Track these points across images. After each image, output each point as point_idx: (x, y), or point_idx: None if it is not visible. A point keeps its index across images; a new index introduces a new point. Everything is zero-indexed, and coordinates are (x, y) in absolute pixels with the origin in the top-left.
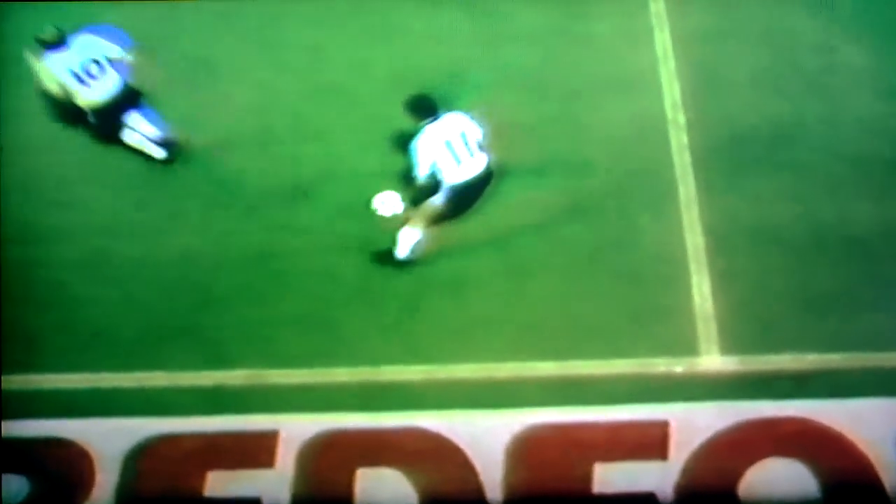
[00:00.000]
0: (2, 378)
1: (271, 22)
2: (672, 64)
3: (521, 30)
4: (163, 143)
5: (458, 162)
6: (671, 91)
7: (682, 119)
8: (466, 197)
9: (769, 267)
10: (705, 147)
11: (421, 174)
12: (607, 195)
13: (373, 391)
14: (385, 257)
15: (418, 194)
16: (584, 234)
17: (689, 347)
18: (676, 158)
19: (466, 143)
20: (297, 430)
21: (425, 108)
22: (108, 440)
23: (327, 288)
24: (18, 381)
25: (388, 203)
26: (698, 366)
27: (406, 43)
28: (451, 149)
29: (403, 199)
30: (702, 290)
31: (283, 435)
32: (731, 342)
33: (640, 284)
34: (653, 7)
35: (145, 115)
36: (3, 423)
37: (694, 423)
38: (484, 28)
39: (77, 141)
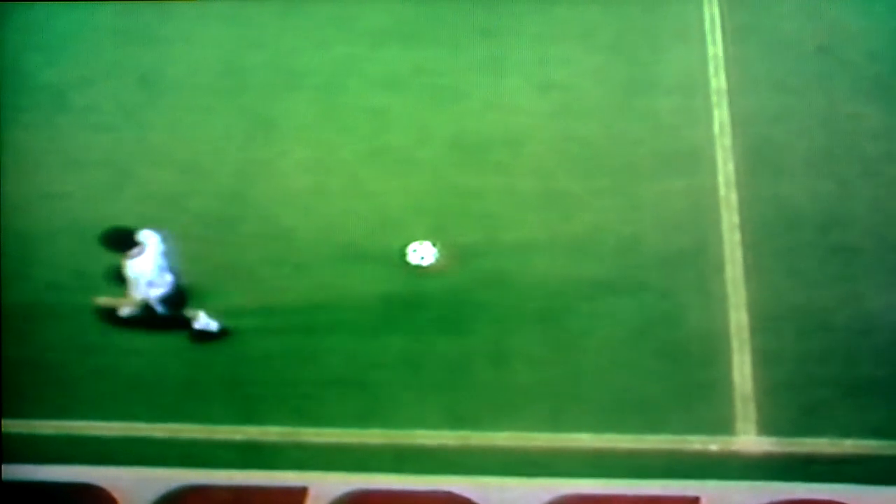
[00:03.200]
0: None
1: (336, 83)
2: (728, 142)
3: (583, 102)
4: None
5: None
6: (725, 169)
7: (734, 198)
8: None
9: (812, 350)
10: (756, 227)
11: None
12: (655, 270)
13: (406, 454)
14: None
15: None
16: (629, 307)
17: (726, 426)
18: (726, 237)
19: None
20: (325, 488)
21: (122, 241)
22: (136, 488)
23: (370, 350)
24: (51, 427)
25: (420, 252)
26: (734, 444)
27: (468, 109)
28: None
29: None
30: (742, 370)
31: (311, 492)
32: (769, 423)
33: (682, 361)
34: (714, 84)
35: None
36: (33, 467)
37: (726, 501)
38: (546, 99)
39: (133, 191)
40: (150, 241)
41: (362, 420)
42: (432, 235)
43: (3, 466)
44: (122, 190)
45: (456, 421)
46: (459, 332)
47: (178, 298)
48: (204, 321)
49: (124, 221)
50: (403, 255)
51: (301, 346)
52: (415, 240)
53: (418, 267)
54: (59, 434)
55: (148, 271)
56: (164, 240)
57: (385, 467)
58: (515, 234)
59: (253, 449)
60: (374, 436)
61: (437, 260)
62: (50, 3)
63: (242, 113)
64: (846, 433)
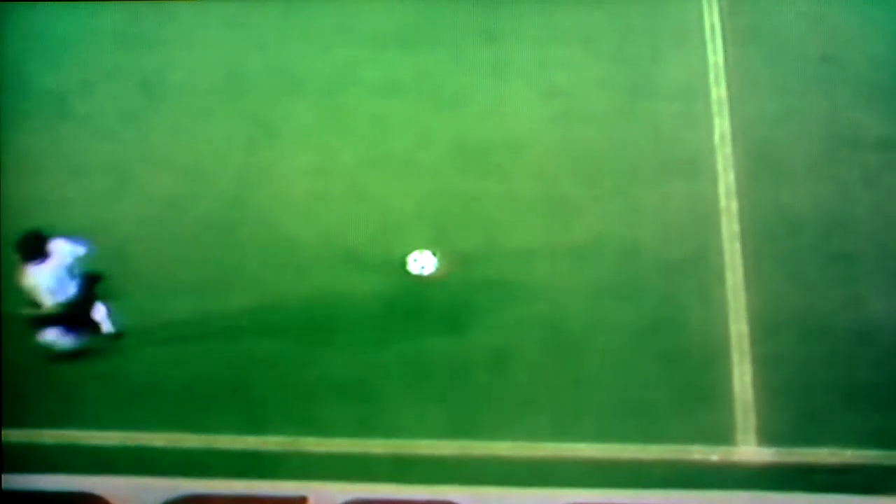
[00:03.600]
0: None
1: (337, 87)
2: (729, 149)
3: (586, 108)
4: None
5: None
6: (726, 177)
7: (734, 206)
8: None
9: (813, 358)
10: (756, 234)
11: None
12: (656, 276)
13: (406, 463)
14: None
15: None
16: (630, 315)
17: (726, 436)
18: (726, 245)
19: (70, 272)
20: (325, 497)
21: (29, 250)
22: (136, 497)
23: (371, 356)
24: (50, 436)
25: (420, 261)
26: (734, 455)
27: (469, 114)
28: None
29: None
30: (743, 379)
31: (311, 501)
32: (770, 432)
33: (682, 370)
34: (714, 93)
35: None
36: (33, 476)
37: None
38: (548, 104)
39: (134, 196)
40: (59, 251)
41: (363, 428)
42: (433, 241)
43: (3, 476)
44: (124, 194)
45: (456, 430)
46: (460, 339)
47: (81, 306)
48: (52, 336)
49: (125, 226)
50: (404, 263)
51: (301, 354)
52: (416, 245)
53: (419, 276)
54: (59, 443)
55: (46, 281)
56: (87, 249)
57: (385, 476)
58: (516, 240)
59: (253, 458)
60: (374, 444)
61: (437, 269)
62: (50, 3)
63: (243, 117)
64: (847, 442)
